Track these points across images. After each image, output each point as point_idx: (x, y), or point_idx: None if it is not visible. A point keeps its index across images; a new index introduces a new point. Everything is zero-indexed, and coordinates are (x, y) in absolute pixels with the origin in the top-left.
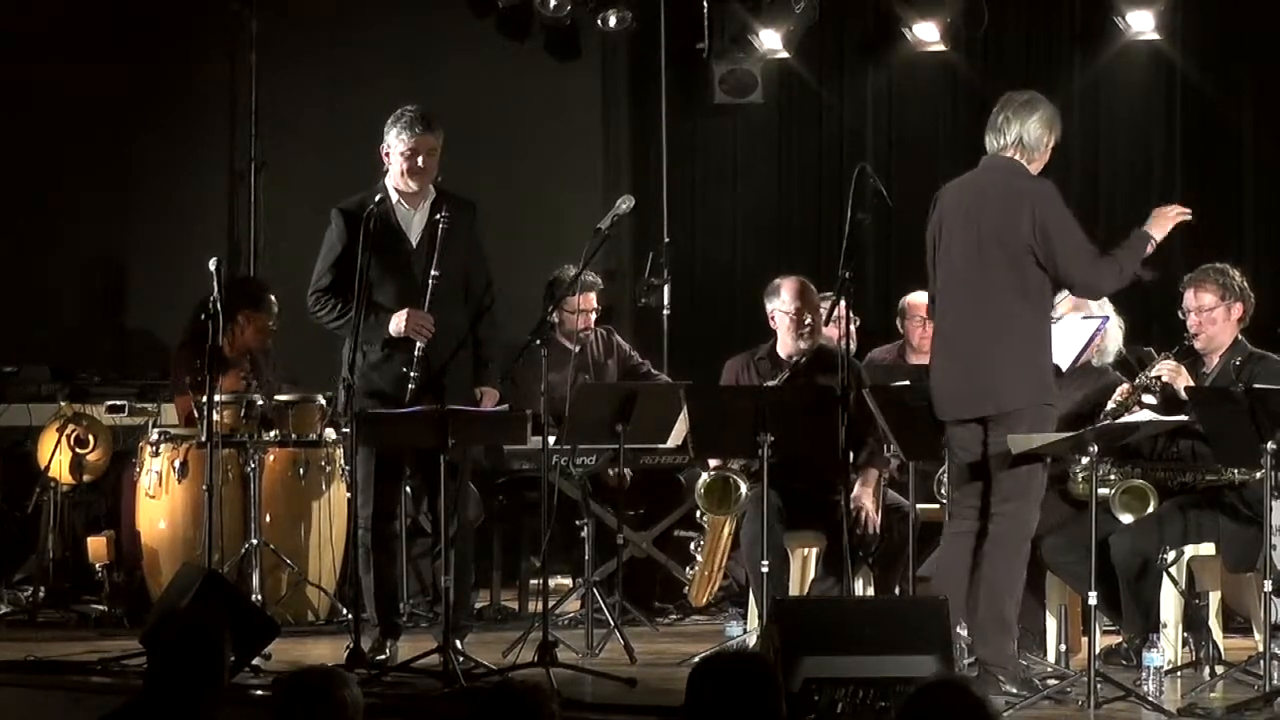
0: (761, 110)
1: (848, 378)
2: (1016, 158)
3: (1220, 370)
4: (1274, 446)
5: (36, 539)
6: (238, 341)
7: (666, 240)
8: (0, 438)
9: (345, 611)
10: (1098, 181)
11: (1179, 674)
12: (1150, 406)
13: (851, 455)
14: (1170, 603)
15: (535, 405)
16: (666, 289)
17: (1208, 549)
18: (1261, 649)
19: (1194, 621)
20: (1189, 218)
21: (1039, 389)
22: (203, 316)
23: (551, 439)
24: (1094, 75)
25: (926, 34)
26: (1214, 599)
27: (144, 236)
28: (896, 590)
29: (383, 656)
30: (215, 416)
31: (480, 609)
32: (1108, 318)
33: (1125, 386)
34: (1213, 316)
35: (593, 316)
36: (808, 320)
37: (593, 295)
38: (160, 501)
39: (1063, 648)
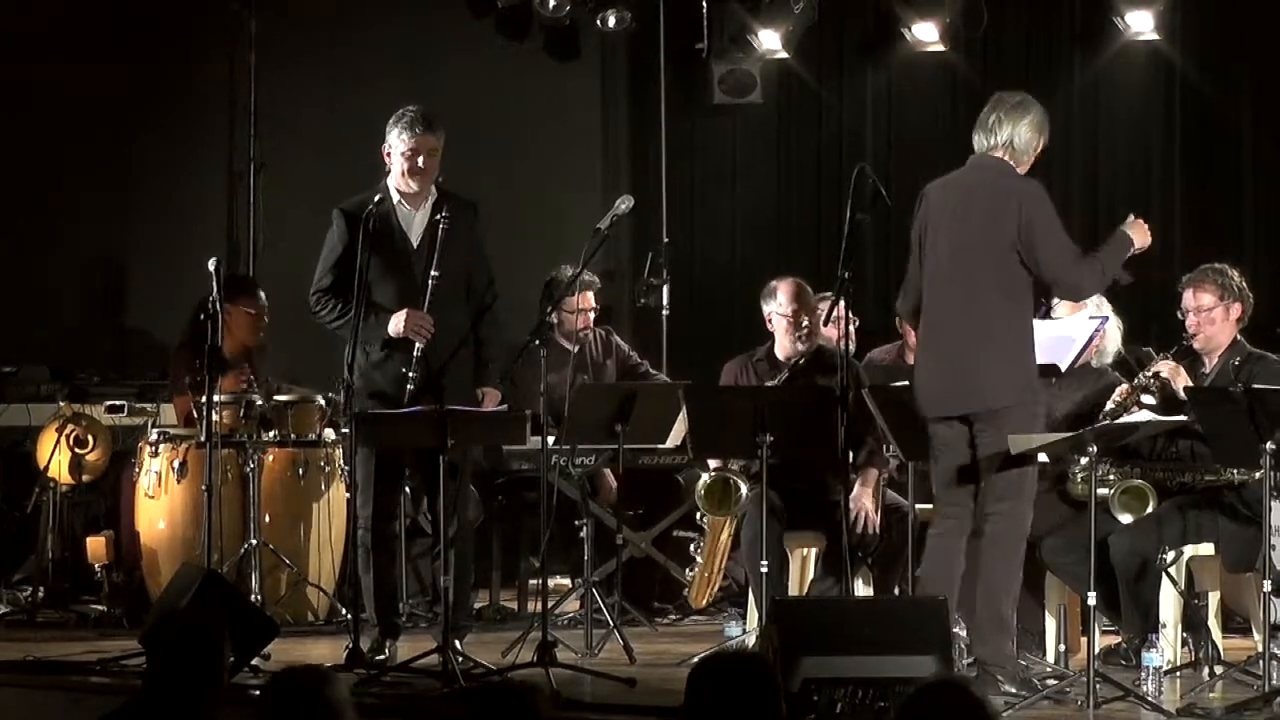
0: (761, 110)
1: (847, 378)
2: (1005, 159)
3: (1219, 370)
4: (1273, 446)
5: (36, 539)
6: (231, 337)
7: (665, 240)
8: (0, 437)
9: (344, 611)
10: (1097, 181)
11: (1178, 674)
12: (1149, 407)
13: (851, 455)
14: (1169, 603)
15: (534, 405)
16: (665, 289)
17: (1207, 549)
18: (1261, 649)
19: (1193, 622)
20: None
21: (1024, 388)
22: (202, 317)
23: (550, 439)
24: (1093, 75)
25: (926, 34)
26: (1213, 599)
27: (143, 236)
28: (896, 590)
29: (382, 657)
30: (214, 417)
31: (479, 609)
32: (1107, 318)
33: (1124, 387)
34: (1211, 317)
35: (591, 316)
36: (805, 322)
37: (591, 295)
38: (159, 502)
39: (1062, 648)
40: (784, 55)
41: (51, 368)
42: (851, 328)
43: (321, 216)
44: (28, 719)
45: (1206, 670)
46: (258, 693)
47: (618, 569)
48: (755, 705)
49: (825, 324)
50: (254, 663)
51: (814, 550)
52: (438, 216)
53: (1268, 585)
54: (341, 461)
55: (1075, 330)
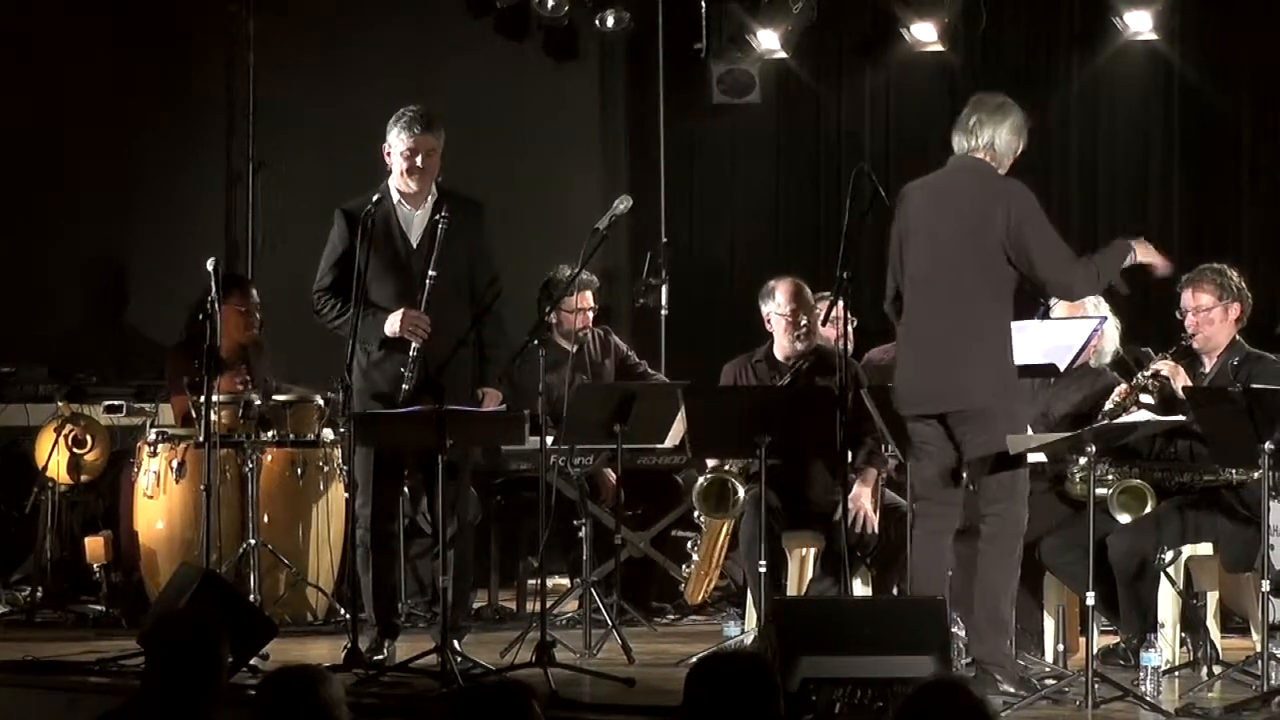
0: (759, 110)
1: (845, 378)
2: (987, 160)
3: (1218, 370)
4: (1271, 447)
5: (34, 539)
6: (225, 336)
7: (664, 240)
8: None
9: (343, 611)
10: (1096, 181)
11: (1177, 674)
12: (1148, 407)
13: (849, 455)
14: (1168, 603)
15: (533, 405)
16: (664, 289)
17: (1205, 549)
18: (1259, 649)
19: (1192, 621)
20: (1164, 269)
21: (1001, 388)
22: (200, 317)
23: (549, 439)
24: (1092, 75)
25: (924, 34)
26: (1212, 599)
27: (142, 236)
28: (894, 590)
29: (381, 656)
30: (213, 416)
31: (478, 609)
32: (1105, 318)
33: (1123, 387)
34: (1210, 317)
35: (590, 316)
36: (803, 321)
37: (589, 294)
38: (158, 501)
39: (1060, 648)
40: (783, 55)
41: (50, 367)
42: (850, 328)
43: (320, 216)
44: (26, 719)
45: (1205, 670)
46: (254, 692)
47: (616, 569)
48: (754, 705)
49: (824, 324)
50: (252, 663)
51: (812, 550)
52: (437, 216)
53: (1266, 585)
54: (340, 461)
55: (1074, 330)
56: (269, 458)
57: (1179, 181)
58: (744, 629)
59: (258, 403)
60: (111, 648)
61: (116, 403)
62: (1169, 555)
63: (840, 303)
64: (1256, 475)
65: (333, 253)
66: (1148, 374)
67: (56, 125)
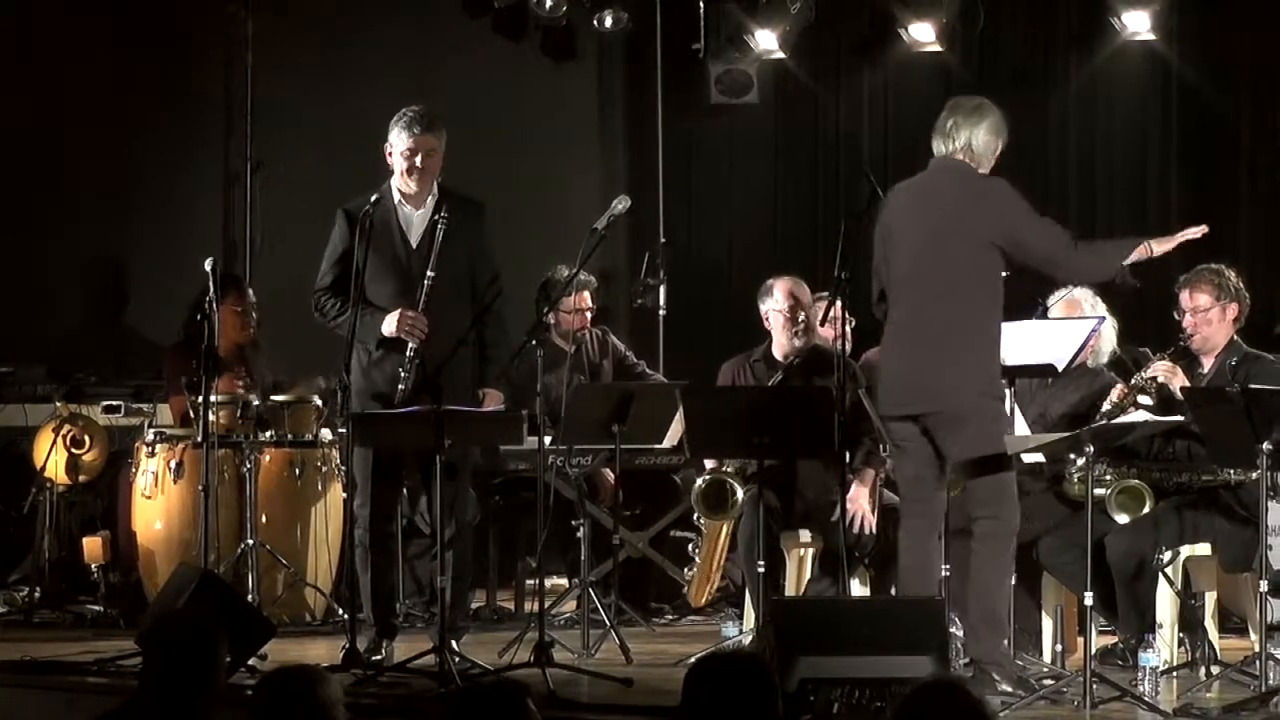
0: (757, 110)
1: (843, 378)
2: (966, 161)
3: (1216, 371)
4: (1269, 447)
5: (32, 539)
6: (222, 336)
7: (662, 240)
8: None
9: (341, 612)
10: (1094, 181)
11: (1175, 674)
12: (1146, 407)
13: (847, 456)
14: (1166, 603)
15: (531, 406)
16: (662, 289)
17: (1204, 549)
18: (1257, 649)
19: (1190, 622)
20: (1196, 235)
21: (983, 390)
22: (198, 317)
23: (548, 439)
24: (1090, 76)
25: (922, 34)
26: (1210, 599)
27: (141, 236)
28: (893, 590)
29: (379, 657)
30: (211, 417)
31: (476, 609)
32: (1103, 318)
33: (1121, 387)
34: (1208, 317)
35: (588, 316)
36: (801, 317)
37: (588, 295)
38: (156, 502)
39: (1058, 648)
40: (781, 55)
41: (48, 368)
42: (848, 328)
43: (319, 216)
44: (25, 719)
45: (1203, 670)
46: (251, 692)
47: (615, 569)
48: (752, 705)
49: (822, 324)
50: (251, 663)
51: (810, 550)
52: (437, 216)
53: (1264, 585)
54: (338, 461)
55: (1072, 330)
56: (267, 458)
57: (1177, 181)
58: (742, 629)
59: (255, 403)
60: (109, 648)
61: (115, 403)
62: (1167, 555)
63: (839, 303)
64: (1254, 475)
65: (333, 252)
66: (1146, 375)
67: (55, 125)
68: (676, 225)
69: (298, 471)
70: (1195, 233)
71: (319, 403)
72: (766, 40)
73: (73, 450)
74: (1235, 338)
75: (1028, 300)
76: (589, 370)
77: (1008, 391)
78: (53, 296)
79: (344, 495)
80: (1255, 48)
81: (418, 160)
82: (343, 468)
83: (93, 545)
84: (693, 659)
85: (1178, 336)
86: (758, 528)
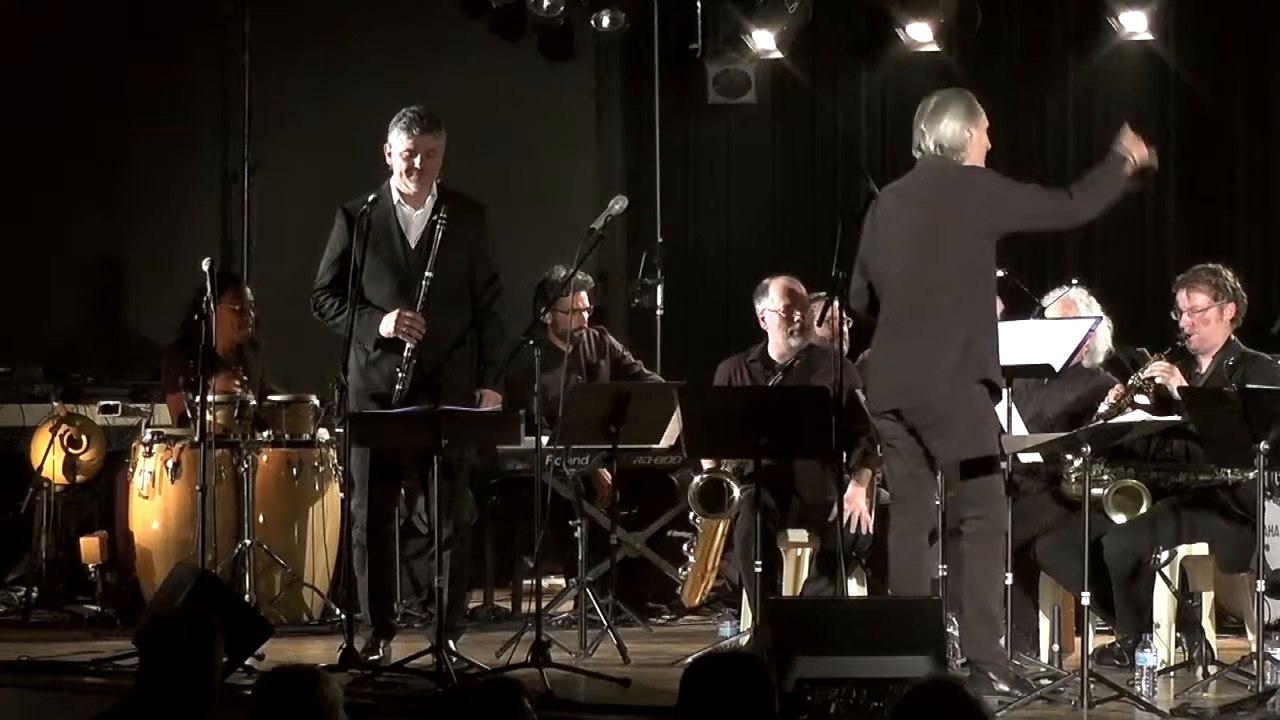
0: (755, 110)
1: (841, 378)
2: (945, 156)
3: (1213, 371)
4: (1266, 446)
5: (30, 539)
6: (221, 335)
7: (660, 240)
8: None
9: (339, 612)
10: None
11: (1172, 674)
12: (1143, 407)
13: (844, 456)
14: (1163, 603)
15: (529, 405)
16: (660, 289)
17: (1201, 549)
18: (1254, 649)
19: (1187, 622)
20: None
21: (965, 391)
22: (195, 317)
23: (545, 440)
24: (1087, 75)
25: (920, 34)
26: (1207, 599)
27: (137, 237)
28: (889, 590)
29: (376, 657)
30: (208, 417)
31: (474, 609)
32: (1100, 318)
33: (1119, 387)
34: (1205, 317)
35: (585, 316)
36: (797, 317)
37: (585, 295)
38: (153, 502)
39: (1056, 648)
40: (778, 55)
41: (45, 368)
42: (845, 328)
43: (315, 217)
44: (22, 719)
45: (1200, 670)
46: (250, 692)
47: (612, 569)
48: (749, 705)
49: (819, 324)
50: (248, 663)
51: (807, 550)
52: (435, 217)
53: (1261, 585)
54: (336, 461)
55: (1069, 330)
56: (264, 458)
57: (1174, 181)
58: (739, 629)
59: (253, 403)
60: (107, 648)
61: (112, 403)
62: (1164, 555)
63: (835, 303)
64: (1252, 475)
65: (332, 252)
66: (1143, 374)
67: (52, 125)
68: (674, 225)
69: (295, 471)
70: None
71: (316, 402)
72: (764, 40)
73: (70, 450)
74: (1232, 338)
75: (1025, 300)
76: (586, 370)
77: (1005, 391)
78: (50, 297)
79: (341, 495)
80: (1252, 48)
81: (417, 161)
82: (340, 468)
83: (90, 545)
84: (690, 659)
85: (1175, 336)
86: (755, 528)
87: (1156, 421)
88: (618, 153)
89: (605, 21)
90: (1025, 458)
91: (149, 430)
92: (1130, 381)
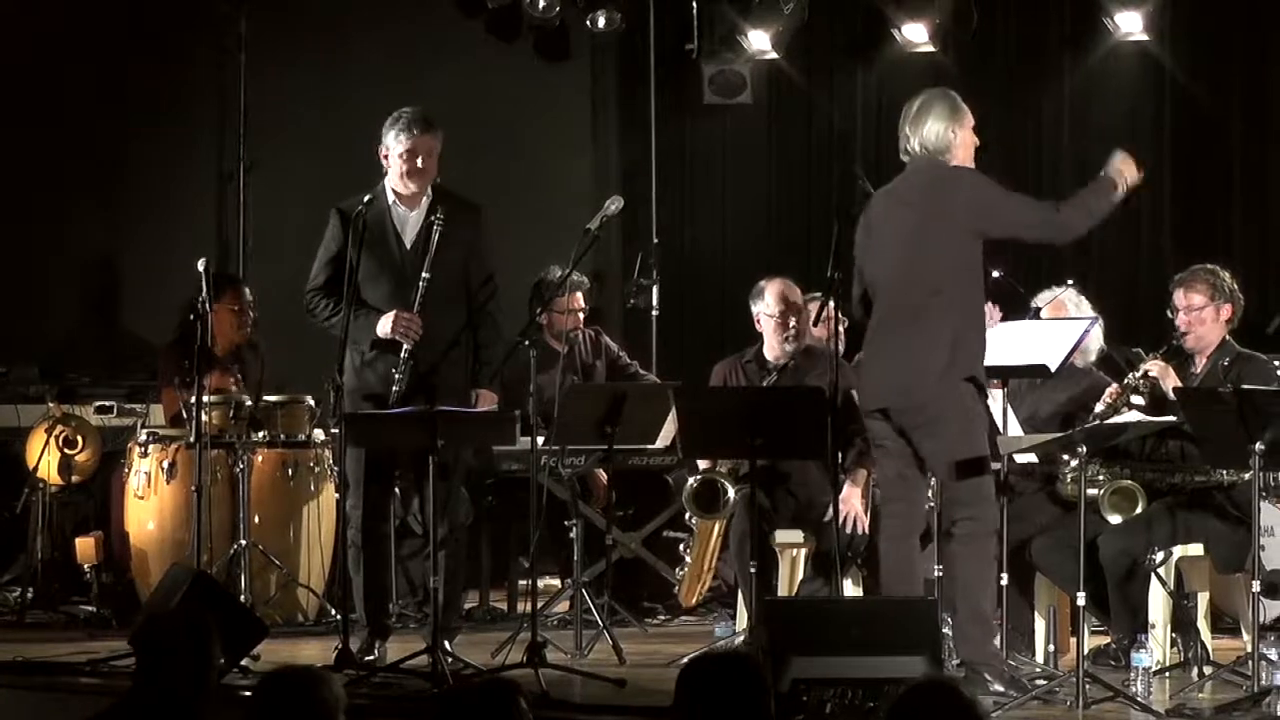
0: (751, 111)
1: (836, 378)
2: (934, 158)
3: (1208, 371)
4: (1262, 447)
5: (25, 540)
6: (221, 336)
7: (655, 241)
8: None
9: (334, 612)
10: (1086, 183)
11: (1167, 674)
12: (1139, 407)
13: (840, 456)
14: (1159, 603)
15: (524, 406)
16: (655, 290)
17: (1196, 550)
18: (1250, 649)
19: (1182, 622)
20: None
21: (954, 391)
22: (191, 317)
23: (540, 440)
24: (1083, 76)
25: (916, 35)
26: (1202, 600)
27: (134, 237)
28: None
29: (371, 657)
30: (204, 417)
31: (469, 610)
32: (1096, 318)
33: (1114, 388)
34: (1202, 317)
35: (581, 317)
36: (792, 322)
37: (580, 295)
38: (149, 502)
39: (1051, 648)
40: (774, 56)
41: (41, 368)
42: (841, 328)
43: (311, 217)
44: None
45: (1196, 671)
46: (250, 693)
47: (608, 570)
48: (744, 706)
49: (815, 324)
50: (243, 663)
51: (803, 551)
52: (432, 218)
53: (1257, 586)
54: (331, 462)
55: (1065, 331)
56: (260, 458)
57: (1170, 182)
58: (735, 629)
59: (248, 403)
60: (102, 648)
61: (107, 403)
62: (1160, 556)
63: (831, 304)
64: (1247, 476)
65: (326, 252)
66: (1138, 374)
67: (48, 125)
68: (669, 226)
69: (290, 472)
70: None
71: (311, 403)
72: (759, 41)
73: (65, 451)
74: (1228, 338)
75: (1021, 301)
76: (582, 371)
77: (1000, 392)
78: (46, 297)
79: (336, 496)
80: (1248, 48)
81: (419, 161)
82: (335, 468)
83: (85, 546)
84: (685, 659)
85: (1171, 336)
86: (750, 528)
87: (1152, 422)
88: (613, 153)
89: (601, 22)
90: (1020, 458)
91: (144, 431)
92: (1126, 381)
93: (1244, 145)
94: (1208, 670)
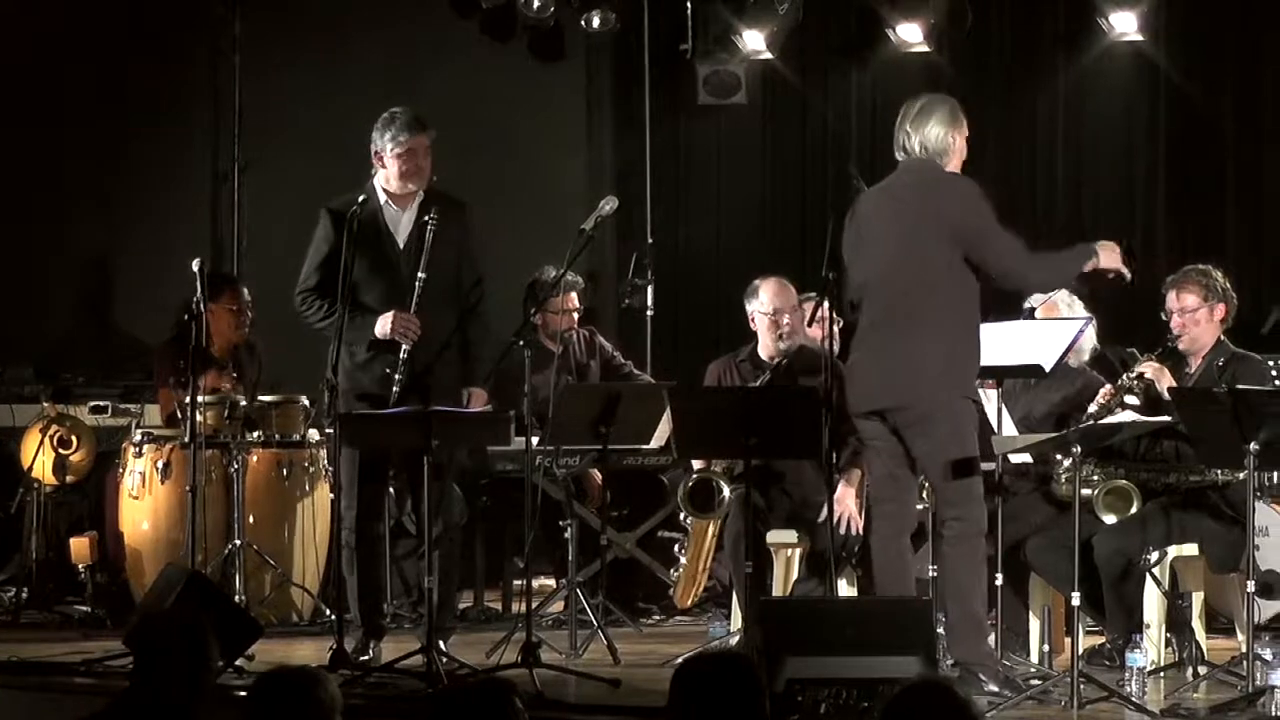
0: (745, 111)
1: (830, 378)
2: (930, 159)
3: (1203, 371)
4: (1256, 447)
5: (19, 540)
6: (218, 335)
7: (650, 241)
8: None
9: (329, 612)
10: (1080, 182)
11: (1162, 674)
12: (1133, 408)
13: (834, 456)
14: (1153, 603)
15: (519, 406)
16: (650, 290)
17: (1191, 550)
18: (1244, 649)
19: (1177, 622)
20: (1126, 276)
21: (953, 389)
22: (186, 317)
23: (535, 440)
24: (1077, 76)
25: (910, 35)
26: (1197, 599)
27: (128, 237)
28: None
29: (366, 657)
30: (198, 417)
31: (464, 610)
32: (1091, 318)
33: (1109, 388)
34: (1196, 318)
35: (575, 317)
36: (785, 320)
37: (575, 295)
38: (143, 502)
39: (1046, 648)
40: (768, 56)
41: (36, 368)
42: (835, 328)
43: (306, 217)
44: None
45: (1190, 671)
46: (245, 693)
47: (602, 570)
48: (739, 706)
49: (809, 324)
50: (238, 663)
51: (797, 551)
52: (425, 217)
53: (1251, 586)
54: (325, 462)
55: (1060, 331)
56: (254, 458)
57: (1164, 182)
58: (729, 629)
59: (243, 403)
60: (97, 648)
61: (102, 403)
62: (1154, 556)
63: (825, 303)
64: (1242, 475)
65: (318, 253)
66: (1133, 375)
67: (44, 126)
68: (664, 226)
69: (285, 472)
70: (1124, 268)
71: (306, 403)
72: (754, 41)
73: (60, 451)
74: (1222, 338)
75: (1016, 301)
76: (576, 371)
77: (995, 392)
78: (41, 297)
79: (331, 496)
80: (1241, 48)
81: (417, 161)
82: (330, 468)
83: (80, 546)
84: (680, 659)
85: (1165, 337)
86: (744, 528)
87: (1147, 422)
88: (608, 153)
89: (595, 22)
90: (1015, 458)
91: (139, 431)
92: (1120, 381)
93: (1238, 145)
94: (1202, 670)
